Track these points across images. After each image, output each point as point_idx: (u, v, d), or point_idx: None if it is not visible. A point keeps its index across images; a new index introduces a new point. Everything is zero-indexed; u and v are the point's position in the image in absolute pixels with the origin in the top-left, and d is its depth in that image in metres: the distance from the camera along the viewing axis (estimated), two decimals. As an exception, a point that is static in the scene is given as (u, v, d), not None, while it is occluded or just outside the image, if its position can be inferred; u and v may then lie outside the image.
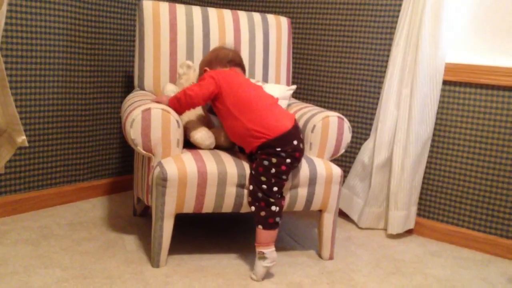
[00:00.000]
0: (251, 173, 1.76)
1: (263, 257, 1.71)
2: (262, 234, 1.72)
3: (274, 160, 1.72)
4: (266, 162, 1.72)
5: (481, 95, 2.16)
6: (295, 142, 1.75)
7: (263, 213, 1.72)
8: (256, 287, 1.67)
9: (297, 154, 1.75)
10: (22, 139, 1.07)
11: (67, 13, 2.17)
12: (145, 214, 2.21)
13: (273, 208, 1.72)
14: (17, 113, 1.06)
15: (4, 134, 1.05)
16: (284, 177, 1.74)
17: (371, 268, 1.91)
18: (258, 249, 1.73)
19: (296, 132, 1.77)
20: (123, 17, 2.42)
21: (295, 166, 1.79)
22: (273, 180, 1.72)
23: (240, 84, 1.84)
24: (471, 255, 2.14)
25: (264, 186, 1.72)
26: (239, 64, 1.99)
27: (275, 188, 1.72)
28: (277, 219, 1.74)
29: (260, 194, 1.72)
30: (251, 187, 1.74)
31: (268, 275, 1.76)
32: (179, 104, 1.79)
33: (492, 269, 2.01)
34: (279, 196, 1.75)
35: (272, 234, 1.73)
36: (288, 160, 1.73)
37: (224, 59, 1.96)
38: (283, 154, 1.72)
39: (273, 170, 1.72)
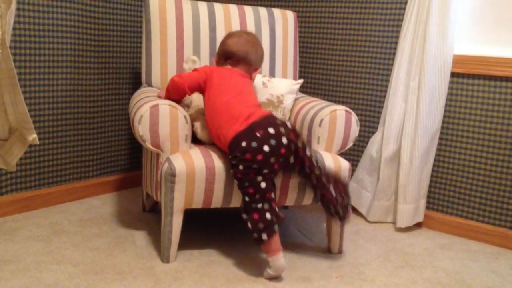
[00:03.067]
0: None
1: (268, 265, 1.69)
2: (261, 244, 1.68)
3: (231, 171, 1.69)
4: (231, 173, 1.71)
5: (489, 87, 2.15)
6: (243, 144, 1.64)
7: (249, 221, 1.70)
8: (265, 281, 1.68)
9: (248, 156, 1.63)
10: (33, 137, 1.08)
11: (75, 10, 2.18)
12: (155, 209, 2.23)
13: (253, 210, 1.67)
14: (28, 112, 1.06)
15: (15, 133, 1.07)
16: (246, 184, 1.66)
17: (380, 262, 1.91)
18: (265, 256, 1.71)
19: (243, 134, 1.66)
20: (130, 14, 2.43)
21: (253, 168, 1.64)
22: (241, 190, 1.69)
23: (220, 86, 1.79)
24: (481, 248, 2.13)
25: (242, 196, 1.71)
26: (243, 59, 1.89)
27: (246, 198, 1.67)
28: (263, 231, 1.65)
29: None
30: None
31: (277, 269, 1.76)
32: (168, 93, 1.82)
33: (502, 262, 2.00)
34: (255, 205, 1.67)
35: (271, 242, 1.66)
36: (241, 167, 1.65)
37: (224, 54, 1.92)
38: (233, 161, 1.66)
39: (236, 181, 1.69)
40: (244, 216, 1.69)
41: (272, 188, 1.70)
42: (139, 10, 2.46)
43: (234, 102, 1.75)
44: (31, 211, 2.12)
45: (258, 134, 1.65)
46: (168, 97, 1.83)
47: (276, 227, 1.67)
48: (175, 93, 1.82)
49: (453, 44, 2.17)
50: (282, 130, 1.68)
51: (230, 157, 1.68)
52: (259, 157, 1.63)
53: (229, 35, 1.96)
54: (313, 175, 1.73)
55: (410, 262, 1.93)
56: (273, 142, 1.65)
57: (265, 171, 1.65)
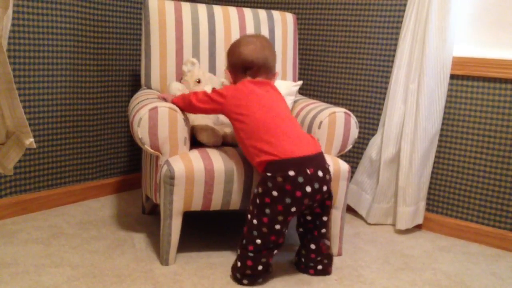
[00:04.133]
0: None
1: None
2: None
3: (260, 189, 1.57)
4: (255, 191, 1.60)
5: (489, 89, 2.15)
6: (291, 173, 1.54)
7: (239, 243, 1.63)
8: (264, 284, 1.68)
9: (287, 187, 1.54)
10: (30, 141, 1.08)
11: (74, 13, 2.18)
12: (154, 212, 2.23)
13: (249, 243, 1.59)
14: (25, 116, 1.07)
15: (12, 137, 1.07)
16: (267, 211, 1.55)
17: (380, 264, 1.91)
18: None
19: (303, 163, 1.56)
20: (130, 16, 2.43)
21: (286, 202, 1.55)
22: (255, 211, 1.58)
23: (249, 106, 1.68)
24: (481, 250, 2.13)
25: (249, 216, 1.61)
26: (263, 66, 1.79)
27: (255, 221, 1.58)
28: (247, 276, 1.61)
29: (245, 223, 1.62)
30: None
31: (276, 272, 1.76)
32: (181, 105, 1.79)
33: (502, 264, 2.00)
34: (257, 235, 1.58)
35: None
36: (275, 193, 1.54)
37: (241, 65, 1.79)
38: (269, 183, 1.55)
39: (258, 200, 1.58)
40: (239, 250, 1.63)
41: (283, 234, 1.63)
42: (138, 13, 2.46)
43: (278, 119, 1.66)
44: (30, 213, 2.12)
45: (308, 171, 1.56)
46: (180, 108, 1.78)
47: (260, 280, 1.65)
48: (188, 111, 1.80)
49: (452, 46, 2.17)
50: (327, 177, 1.62)
51: (268, 175, 1.57)
52: (298, 194, 1.55)
53: (240, 43, 1.82)
54: (318, 229, 1.72)
55: (410, 265, 1.93)
56: (316, 185, 1.57)
57: (293, 209, 1.57)
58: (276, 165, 1.57)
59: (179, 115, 1.76)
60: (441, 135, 2.26)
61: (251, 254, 1.60)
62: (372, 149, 2.36)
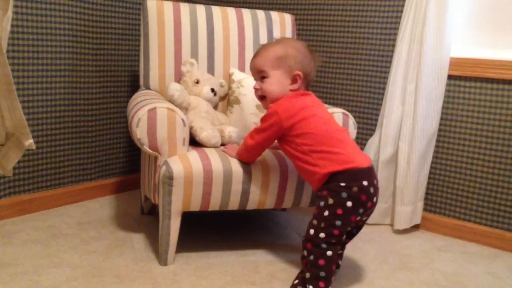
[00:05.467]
0: None
1: None
2: None
3: (330, 201, 1.51)
4: (322, 203, 1.53)
5: (486, 89, 2.16)
6: (364, 183, 1.52)
7: (305, 264, 1.54)
8: (263, 284, 1.68)
9: (363, 197, 1.51)
10: (29, 142, 1.09)
11: (72, 14, 2.19)
12: (153, 212, 2.23)
13: (320, 257, 1.50)
14: (24, 117, 1.07)
15: (12, 138, 1.07)
16: (337, 223, 1.50)
17: (378, 264, 1.91)
18: None
19: (370, 174, 1.55)
20: (128, 17, 2.43)
21: (359, 213, 1.53)
22: (322, 225, 1.50)
23: (307, 118, 1.60)
24: (478, 250, 2.14)
25: (312, 231, 1.53)
26: (310, 73, 1.70)
27: (322, 235, 1.51)
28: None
29: (305, 239, 1.55)
30: (304, 234, 1.58)
31: (275, 272, 1.77)
32: (245, 155, 1.72)
33: (499, 263, 2.01)
34: (326, 246, 1.51)
35: None
36: (349, 203, 1.50)
37: (305, 77, 1.67)
38: (344, 194, 1.50)
39: (326, 213, 1.51)
40: (307, 273, 1.52)
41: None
42: (137, 13, 2.47)
43: (338, 130, 1.63)
44: (29, 214, 2.12)
45: (375, 182, 1.56)
46: (249, 158, 1.73)
47: None
48: (255, 154, 1.73)
49: (450, 47, 2.18)
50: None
51: (341, 185, 1.51)
52: (369, 204, 1.54)
53: (282, 43, 1.70)
54: (349, 239, 1.73)
55: (408, 264, 1.93)
56: (376, 197, 1.58)
57: (359, 219, 1.56)
58: (351, 175, 1.52)
59: (178, 115, 1.76)
60: (438, 135, 2.27)
61: (322, 274, 1.51)
62: (370, 150, 2.36)
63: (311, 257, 1.52)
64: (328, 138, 1.58)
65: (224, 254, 1.89)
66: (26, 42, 2.04)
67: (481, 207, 2.20)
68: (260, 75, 1.70)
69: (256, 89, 1.72)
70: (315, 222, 1.54)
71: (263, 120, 1.67)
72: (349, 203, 1.51)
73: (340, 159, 1.55)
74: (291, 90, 1.67)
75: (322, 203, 1.54)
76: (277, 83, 1.66)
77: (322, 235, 1.51)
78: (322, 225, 1.51)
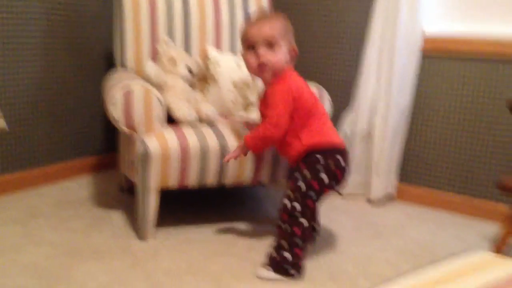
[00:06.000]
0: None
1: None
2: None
3: (307, 173, 1.57)
4: (297, 176, 1.58)
5: (459, 65, 2.20)
6: (339, 158, 1.60)
7: (280, 234, 1.57)
8: (240, 255, 1.73)
9: (338, 173, 1.59)
10: (1, 123, 1.10)
11: (44, -7, 2.17)
12: (132, 190, 2.24)
13: (295, 226, 1.55)
14: None
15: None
16: (312, 194, 1.57)
17: (353, 233, 1.98)
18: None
19: (344, 152, 1.63)
20: (101, -4, 2.42)
21: (333, 187, 1.61)
22: (298, 196, 1.56)
23: (304, 93, 1.63)
24: (450, 218, 2.21)
25: (288, 202, 1.57)
26: None
27: (297, 206, 1.56)
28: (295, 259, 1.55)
29: (281, 210, 1.59)
30: (280, 206, 1.61)
31: (253, 244, 1.82)
32: (262, 145, 1.66)
33: (470, 230, 2.09)
34: (301, 216, 1.56)
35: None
36: (325, 178, 1.57)
37: (294, 53, 1.67)
38: (321, 168, 1.57)
39: (302, 185, 1.57)
40: (283, 241, 1.56)
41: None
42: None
43: (318, 101, 1.69)
44: (7, 195, 2.13)
45: (347, 160, 1.64)
46: (262, 148, 1.68)
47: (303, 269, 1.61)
48: (273, 143, 1.67)
49: (422, 23, 2.21)
50: None
51: (319, 158, 1.57)
52: (341, 180, 1.63)
53: (281, 17, 1.67)
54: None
55: (382, 233, 2.00)
56: (347, 173, 1.65)
57: (331, 192, 1.64)
58: (328, 151, 1.60)
59: (153, 94, 1.78)
60: (412, 109, 2.32)
61: (299, 241, 1.56)
62: (346, 124, 2.41)
63: (287, 227, 1.57)
64: (314, 114, 1.63)
65: (204, 229, 1.93)
66: (-3, 22, 2.02)
67: (453, 175, 2.27)
68: (268, 43, 1.60)
69: (262, 56, 1.60)
70: (290, 194, 1.58)
71: (272, 102, 1.60)
72: (324, 176, 1.57)
73: (323, 134, 1.62)
74: (288, 65, 1.67)
75: (298, 175, 1.59)
76: (284, 55, 1.62)
77: (297, 206, 1.56)
78: (298, 196, 1.57)
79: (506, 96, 2.11)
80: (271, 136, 1.61)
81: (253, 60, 1.62)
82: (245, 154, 1.71)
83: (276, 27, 1.60)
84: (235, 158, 1.69)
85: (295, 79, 1.64)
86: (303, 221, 1.57)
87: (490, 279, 0.89)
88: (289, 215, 1.57)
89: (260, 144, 1.64)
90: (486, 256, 1.00)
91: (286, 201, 1.58)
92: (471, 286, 0.86)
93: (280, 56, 1.60)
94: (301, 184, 1.57)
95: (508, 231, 1.67)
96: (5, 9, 2.03)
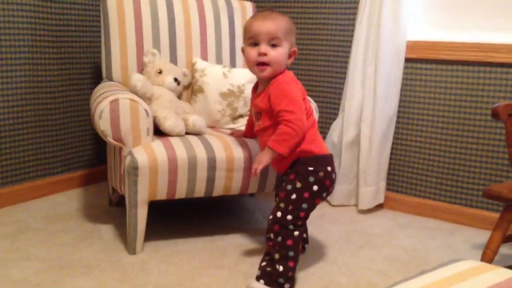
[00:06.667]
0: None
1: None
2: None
3: (298, 184, 1.57)
4: (289, 187, 1.58)
5: (441, 71, 2.23)
6: (328, 169, 1.61)
7: (272, 246, 1.56)
8: (231, 268, 1.73)
9: (327, 182, 1.60)
10: None
11: (31, 7, 2.16)
12: (121, 203, 2.24)
13: (287, 238, 1.54)
14: None
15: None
16: (304, 205, 1.57)
17: (342, 243, 1.98)
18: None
19: (332, 160, 1.64)
20: (88, 8, 2.42)
21: (322, 197, 1.62)
22: (290, 207, 1.56)
23: (304, 95, 1.65)
24: (438, 225, 2.23)
25: (279, 213, 1.56)
26: None
27: (289, 217, 1.55)
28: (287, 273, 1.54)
29: (272, 221, 1.57)
30: (270, 217, 1.59)
31: (243, 255, 1.81)
32: (292, 144, 1.56)
33: (457, 237, 2.10)
34: (293, 228, 1.56)
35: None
36: (315, 187, 1.58)
37: (293, 50, 1.67)
38: (311, 178, 1.57)
39: (294, 196, 1.56)
40: (276, 254, 1.55)
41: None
42: (97, 4, 2.45)
43: (308, 105, 1.66)
44: (-5, 210, 2.12)
45: (335, 168, 1.65)
46: (292, 144, 1.57)
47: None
48: (297, 138, 1.57)
49: (406, 31, 2.24)
50: None
51: (310, 169, 1.58)
52: (331, 189, 1.63)
53: (286, 17, 1.65)
54: None
55: (371, 242, 2.01)
56: (335, 182, 1.66)
57: (320, 202, 1.64)
58: (318, 160, 1.60)
59: (141, 106, 1.78)
60: (398, 117, 2.35)
61: (291, 254, 1.55)
62: (333, 133, 2.42)
63: (279, 238, 1.56)
64: (308, 118, 1.62)
65: (192, 240, 1.92)
66: (-17, 36, 2.01)
67: (440, 184, 2.29)
68: (271, 41, 1.59)
69: (263, 53, 1.59)
70: (282, 204, 1.58)
71: (281, 95, 1.57)
72: (315, 187, 1.58)
73: (316, 142, 1.63)
74: (286, 65, 1.66)
75: (289, 187, 1.58)
76: (284, 55, 1.61)
77: (289, 217, 1.56)
78: (290, 207, 1.56)
79: (489, 102, 2.14)
80: (301, 129, 1.55)
81: (253, 55, 1.61)
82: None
83: (280, 26, 1.60)
84: (264, 168, 1.60)
85: (294, 78, 1.65)
86: (296, 233, 1.57)
87: (479, 287, 0.90)
88: (282, 227, 1.57)
89: (290, 143, 1.55)
90: (475, 265, 1.01)
91: (278, 213, 1.58)
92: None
93: (280, 54, 1.60)
94: (293, 196, 1.57)
95: (496, 239, 1.68)
96: (-9, 23, 2.03)
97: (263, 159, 1.58)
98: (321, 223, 2.18)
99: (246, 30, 1.65)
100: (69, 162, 2.44)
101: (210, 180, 1.80)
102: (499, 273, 0.97)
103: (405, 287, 0.90)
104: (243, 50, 1.69)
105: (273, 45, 1.60)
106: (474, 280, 0.93)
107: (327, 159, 1.63)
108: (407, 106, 2.33)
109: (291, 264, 1.56)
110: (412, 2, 2.25)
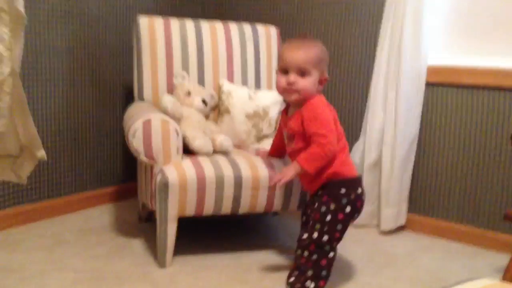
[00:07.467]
0: (306, 222, 1.74)
1: None
2: None
3: (332, 206, 1.65)
4: (323, 208, 1.65)
5: (462, 95, 2.29)
6: (359, 191, 1.69)
7: (305, 263, 1.62)
8: (255, 283, 1.79)
9: (358, 204, 1.68)
10: (41, 153, 1.20)
11: (69, 31, 2.31)
12: (150, 219, 2.33)
13: (323, 257, 1.62)
14: (36, 131, 1.20)
15: (26, 150, 1.19)
16: (338, 226, 1.64)
17: (365, 262, 2.02)
18: None
19: (361, 181, 1.73)
20: (121, 32, 2.55)
21: (354, 217, 1.70)
22: (325, 228, 1.63)
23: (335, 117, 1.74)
24: (460, 248, 2.25)
25: (315, 234, 1.63)
26: None
27: (325, 237, 1.63)
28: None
29: (308, 241, 1.64)
30: (304, 236, 1.65)
31: (267, 272, 1.88)
32: (319, 164, 1.64)
33: (479, 260, 2.12)
34: (329, 249, 1.64)
35: None
36: (348, 209, 1.65)
37: (324, 76, 1.74)
38: (344, 200, 1.65)
39: (329, 217, 1.64)
40: (309, 271, 1.62)
41: None
42: (130, 29, 2.58)
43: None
44: (33, 223, 2.22)
45: (364, 190, 1.73)
46: (322, 163, 1.64)
47: None
48: (327, 159, 1.65)
49: (427, 55, 2.31)
50: None
51: (343, 192, 1.65)
52: (361, 210, 1.72)
53: (318, 45, 1.73)
54: None
55: (393, 263, 2.05)
56: (364, 203, 1.74)
57: (352, 222, 1.72)
58: (350, 182, 1.69)
59: (171, 126, 1.87)
60: (419, 140, 2.40)
61: (324, 273, 1.63)
62: (355, 155, 2.48)
63: (314, 257, 1.63)
64: (340, 140, 1.70)
65: (219, 256, 1.99)
66: (25, 59, 2.15)
67: (462, 207, 2.32)
68: (300, 70, 1.67)
69: (291, 83, 1.67)
70: (317, 226, 1.64)
71: (314, 118, 1.64)
72: (348, 209, 1.66)
73: (348, 164, 1.72)
74: (317, 91, 1.73)
75: (323, 208, 1.65)
76: (314, 82, 1.69)
77: (325, 237, 1.63)
78: (325, 228, 1.63)
79: (510, 126, 2.18)
80: (331, 152, 1.62)
81: (283, 83, 1.70)
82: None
83: (310, 56, 1.67)
84: (286, 182, 1.67)
85: (326, 102, 1.72)
86: (331, 254, 1.64)
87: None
88: (317, 247, 1.63)
89: (317, 164, 1.63)
90: (492, 282, 1.06)
91: (315, 234, 1.64)
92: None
93: (309, 83, 1.67)
94: (328, 217, 1.64)
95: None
96: (34, 43, 2.17)
97: (289, 172, 1.65)
98: (343, 242, 2.20)
99: (279, 57, 1.75)
100: (101, 179, 2.55)
101: (237, 198, 1.88)
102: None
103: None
104: (276, 73, 1.77)
105: (302, 74, 1.67)
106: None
107: (358, 182, 1.71)
108: (429, 129, 2.38)
109: (322, 283, 1.63)
110: (433, 28, 2.32)
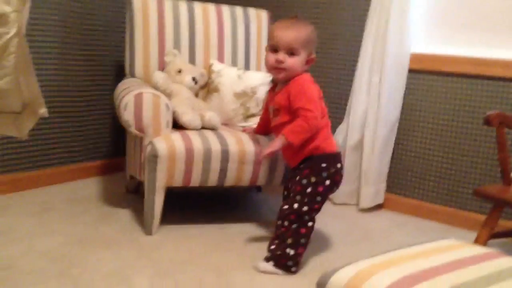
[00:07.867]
0: (288, 195, 1.81)
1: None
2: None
3: (313, 179, 1.73)
4: (304, 181, 1.73)
5: (443, 82, 2.39)
6: (338, 165, 1.78)
7: (285, 232, 1.70)
8: (238, 250, 1.87)
9: (337, 178, 1.77)
10: (43, 110, 1.26)
11: (62, 6, 2.34)
12: (137, 191, 2.39)
13: (302, 226, 1.70)
14: (39, 89, 1.26)
15: (28, 107, 1.25)
16: (318, 198, 1.73)
17: (343, 236, 2.12)
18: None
19: (341, 157, 1.81)
20: (114, 10, 2.59)
21: (333, 190, 1.80)
22: (305, 200, 1.71)
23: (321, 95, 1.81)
24: (433, 226, 2.37)
25: (296, 205, 1.71)
26: None
27: (305, 208, 1.71)
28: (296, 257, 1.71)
29: (289, 211, 1.71)
30: (285, 207, 1.74)
31: (249, 241, 1.96)
32: (304, 137, 1.70)
33: (450, 237, 2.22)
34: (308, 218, 1.73)
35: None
36: (327, 182, 1.74)
37: (311, 55, 1.81)
38: (325, 173, 1.73)
39: (309, 189, 1.72)
40: (289, 238, 1.70)
41: None
42: (123, 7, 2.62)
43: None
44: (22, 191, 2.27)
45: (343, 166, 1.81)
46: (304, 137, 1.71)
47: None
48: (312, 131, 1.72)
49: (410, 44, 2.40)
50: None
51: (323, 166, 1.73)
52: (339, 184, 1.81)
53: (308, 26, 1.79)
54: None
55: (369, 237, 2.15)
56: (342, 178, 1.82)
57: (330, 195, 1.82)
58: (331, 157, 1.77)
59: (162, 100, 1.94)
60: (400, 123, 2.50)
61: (303, 241, 1.72)
62: (339, 136, 2.57)
63: (294, 226, 1.72)
64: (323, 117, 1.78)
65: (204, 226, 2.07)
66: (19, 31, 2.18)
67: (437, 188, 2.43)
68: (289, 50, 1.73)
69: (280, 61, 1.73)
70: (298, 197, 1.73)
71: (300, 93, 1.71)
72: (327, 182, 1.75)
73: (330, 140, 1.80)
74: (303, 70, 1.80)
75: (304, 181, 1.74)
76: (301, 62, 1.76)
77: (305, 208, 1.72)
78: (306, 200, 1.72)
79: (484, 112, 2.28)
80: (315, 126, 1.70)
81: (272, 60, 1.76)
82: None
83: (300, 36, 1.74)
84: (273, 154, 1.77)
85: (312, 80, 1.79)
86: (310, 223, 1.73)
87: (457, 256, 1.04)
88: (298, 216, 1.72)
89: (302, 136, 1.70)
90: (456, 243, 1.16)
91: (295, 204, 1.72)
92: (440, 261, 1.02)
93: (296, 62, 1.75)
94: (309, 189, 1.73)
95: (484, 235, 1.82)
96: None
97: (274, 144, 1.73)
98: (324, 218, 2.31)
99: (270, 35, 1.81)
100: (89, 152, 2.60)
101: (223, 171, 1.95)
102: (476, 249, 1.11)
103: (386, 257, 1.04)
104: (265, 50, 1.83)
105: (291, 53, 1.74)
106: (454, 252, 1.07)
107: (338, 157, 1.80)
108: (409, 113, 2.48)
109: (301, 250, 1.73)
110: (418, 17, 2.41)
